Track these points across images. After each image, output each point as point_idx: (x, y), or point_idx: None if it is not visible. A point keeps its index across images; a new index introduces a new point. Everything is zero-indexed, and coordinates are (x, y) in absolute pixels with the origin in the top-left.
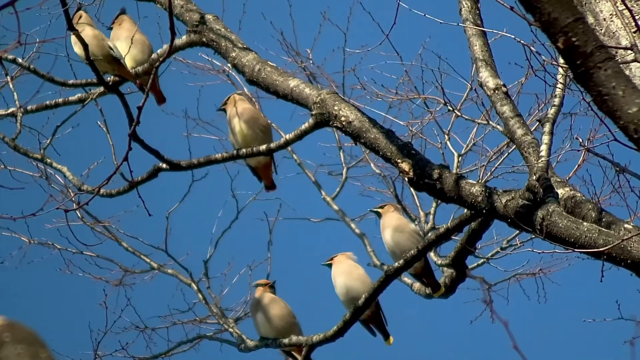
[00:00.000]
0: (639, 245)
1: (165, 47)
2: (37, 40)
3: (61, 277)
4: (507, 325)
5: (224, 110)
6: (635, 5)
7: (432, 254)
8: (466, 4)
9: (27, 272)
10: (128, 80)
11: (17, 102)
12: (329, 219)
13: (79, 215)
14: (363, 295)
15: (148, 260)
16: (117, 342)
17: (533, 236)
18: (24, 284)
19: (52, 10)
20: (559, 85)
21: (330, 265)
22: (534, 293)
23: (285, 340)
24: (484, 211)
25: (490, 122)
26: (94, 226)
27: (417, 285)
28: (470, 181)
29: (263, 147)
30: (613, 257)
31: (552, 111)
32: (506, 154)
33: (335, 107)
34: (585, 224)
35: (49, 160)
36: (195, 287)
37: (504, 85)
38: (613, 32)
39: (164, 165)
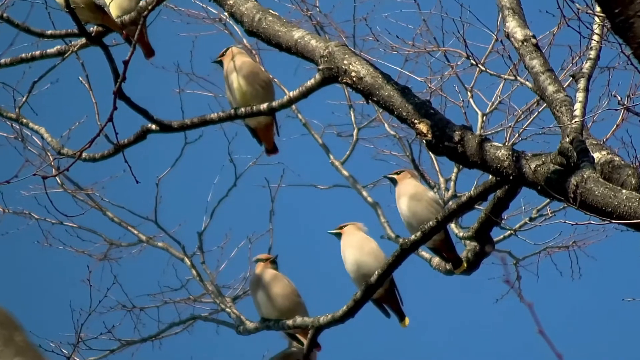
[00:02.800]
0: None
1: None
2: None
3: (39, 251)
4: (532, 307)
5: (221, 64)
6: None
7: (452, 225)
8: None
9: (1, 245)
10: (113, 30)
11: None
12: (338, 185)
13: (59, 181)
14: (376, 272)
15: (136, 232)
16: (102, 323)
17: (566, 205)
18: None
19: None
20: (595, 37)
21: (338, 235)
22: (567, 268)
23: (289, 322)
24: (511, 177)
25: (518, 78)
26: (76, 194)
27: (436, 260)
28: (496, 144)
29: (264, 105)
30: None
31: (587, 65)
32: (536, 113)
33: (345, 61)
34: (624, 191)
35: (24, 120)
36: (188, 262)
37: (534, 37)
38: None
39: (153, 126)
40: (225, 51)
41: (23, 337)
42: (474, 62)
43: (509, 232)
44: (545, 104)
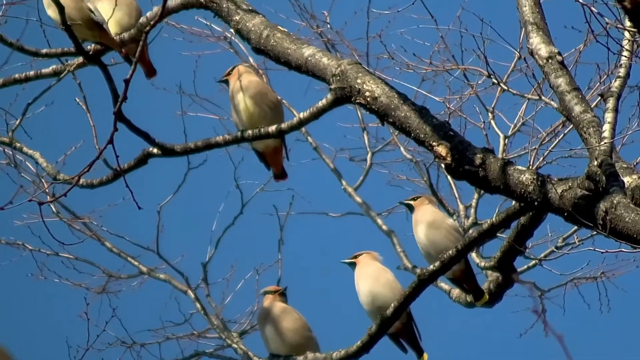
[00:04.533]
0: None
1: (156, 9)
2: (4, 1)
3: (34, 284)
4: (562, 339)
5: (226, 83)
6: None
7: (473, 254)
8: None
9: None
10: (112, 49)
11: None
12: (351, 213)
13: (54, 209)
14: (392, 304)
15: (136, 263)
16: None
17: (594, 233)
18: None
19: None
20: (625, 53)
21: (352, 265)
22: (595, 300)
23: (300, 358)
24: (536, 203)
25: (543, 98)
26: (72, 223)
27: (456, 291)
28: (520, 167)
29: (272, 128)
30: None
31: (616, 84)
32: (562, 135)
33: (359, 80)
34: None
35: (18, 145)
36: (192, 295)
37: (559, 54)
38: None
39: (155, 150)
40: (232, 70)
41: None
42: (495, 81)
43: (533, 261)
44: (572, 125)
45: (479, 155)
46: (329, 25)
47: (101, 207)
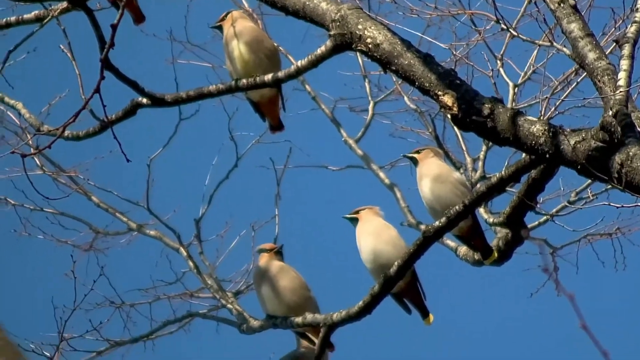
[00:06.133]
0: None
1: None
2: None
3: (17, 240)
4: (573, 299)
5: (220, 30)
6: None
7: (481, 210)
8: None
9: None
10: None
11: None
12: (351, 166)
13: (38, 162)
14: (395, 262)
15: (125, 220)
16: (88, 321)
17: (609, 186)
18: None
19: None
20: None
21: (354, 221)
22: (610, 258)
23: (298, 319)
24: (547, 156)
25: (555, 44)
26: (57, 176)
27: (463, 249)
28: (530, 118)
29: (268, 76)
30: None
31: (632, 29)
32: (574, 83)
33: (359, 26)
34: None
35: None
36: (184, 253)
37: None
38: None
39: (144, 100)
40: (225, 15)
41: (1, 335)
42: (504, 27)
43: (545, 217)
44: (585, 73)
45: (487, 105)
46: None
47: (88, 160)
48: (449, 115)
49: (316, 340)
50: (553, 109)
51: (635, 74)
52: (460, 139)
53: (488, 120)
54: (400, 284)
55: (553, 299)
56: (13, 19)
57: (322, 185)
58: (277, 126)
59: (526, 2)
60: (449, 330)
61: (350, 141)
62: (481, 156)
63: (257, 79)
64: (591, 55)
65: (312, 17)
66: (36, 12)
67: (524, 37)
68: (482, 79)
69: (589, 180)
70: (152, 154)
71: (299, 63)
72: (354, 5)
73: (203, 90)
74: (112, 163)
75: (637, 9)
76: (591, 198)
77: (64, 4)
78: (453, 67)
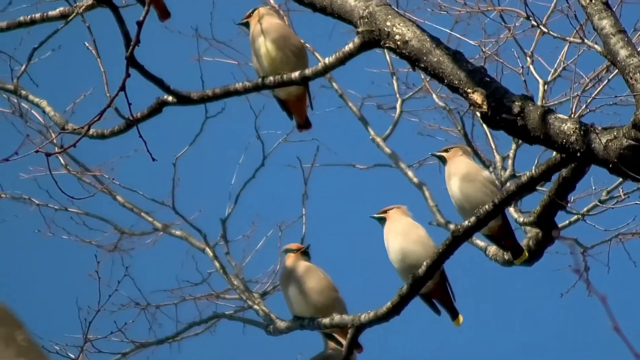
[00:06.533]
0: None
1: None
2: None
3: (41, 241)
4: (605, 299)
5: (246, 26)
6: None
7: (511, 209)
8: None
9: None
10: None
11: None
12: (379, 165)
13: (63, 161)
14: (424, 262)
15: (150, 219)
16: (113, 322)
17: None
18: None
19: None
20: None
21: (382, 220)
22: None
23: (326, 320)
24: (579, 154)
25: (586, 41)
26: (82, 176)
27: (492, 249)
28: (561, 116)
29: (295, 74)
30: None
31: None
32: (606, 81)
33: (388, 23)
34: None
35: (23, 93)
36: (210, 253)
37: None
38: None
39: (170, 98)
40: (252, 12)
41: (25, 336)
42: (534, 23)
43: (575, 216)
44: (617, 71)
45: (517, 103)
46: None
47: (113, 159)
48: (478, 113)
49: (344, 342)
50: (584, 106)
51: None
52: (490, 137)
53: (518, 118)
54: (429, 284)
55: (584, 300)
56: (37, 15)
57: (349, 184)
58: (304, 124)
59: None
60: (478, 332)
61: (378, 139)
62: (511, 154)
63: (284, 76)
64: (623, 52)
65: (340, 14)
66: (61, 8)
67: (555, 34)
68: (512, 76)
69: (621, 179)
70: (177, 153)
71: (326, 60)
72: (382, 2)
73: (229, 87)
74: (137, 162)
75: None
76: (622, 197)
77: (89, 1)
78: (482, 65)
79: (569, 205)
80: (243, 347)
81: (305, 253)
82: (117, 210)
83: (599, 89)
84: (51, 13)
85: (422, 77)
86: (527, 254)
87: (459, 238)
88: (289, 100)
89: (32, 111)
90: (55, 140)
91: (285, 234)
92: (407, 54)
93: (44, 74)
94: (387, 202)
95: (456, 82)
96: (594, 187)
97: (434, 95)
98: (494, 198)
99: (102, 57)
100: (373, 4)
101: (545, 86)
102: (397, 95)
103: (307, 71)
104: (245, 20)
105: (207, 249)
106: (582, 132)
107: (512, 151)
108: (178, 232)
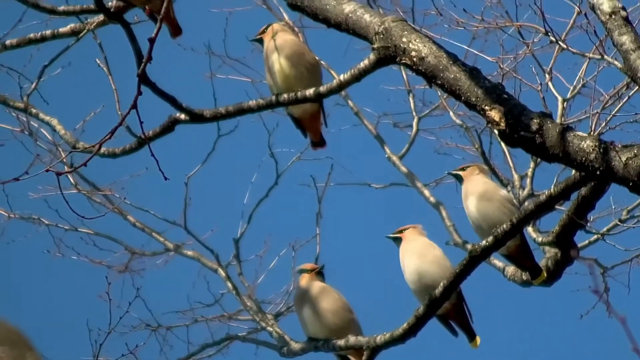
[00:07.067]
0: None
1: None
2: None
3: (50, 261)
4: (625, 321)
5: (260, 42)
6: None
7: (530, 229)
8: None
9: (7, 255)
10: (135, 5)
11: None
12: (395, 184)
13: (73, 181)
14: (441, 283)
15: (162, 239)
16: (124, 344)
17: None
18: (3, 270)
19: None
20: None
21: (397, 240)
22: None
23: (341, 342)
24: (598, 172)
25: (605, 57)
26: (92, 195)
27: (510, 269)
28: (580, 133)
29: (310, 91)
30: None
31: None
32: (626, 97)
33: (404, 39)
34: None
35: (33, 111)
36: (222, 274)
37: (624, 8)
38: None
39: (182, 116)
40: (266, 28)
41: (36, 358)
42: (553, 39)
43: (595, 236)
44: (637, 87)
45: (535, 120)
46: None
47: (124, 178)
48: (496, 131)
49: None
50: (604, 124)
51: None
52: (508, 156)
53: (537, 136)
54: (446, 305)
55: (604, 321)
56: (48, 32)
57: (364, 204)
58: (318, 142)
59: (575, 13)
60: (496, 353)
61: (394, 158)
62: (529, 173)
63: (299, 93)
64: None
65: (355, 30)
66: (72, 25)
67: (574, 50)
68: (530, 93)
69: None
70: (189, 172)
71: (341, 77)
72: (398, 18)
73: (243, 105)
74: (148, 181)
75: None
76: None
77: (101, 17)
78: (500, 81)
79: (588, 224)
80: None
81: (319, 273)
82: (128, 230)
83: (619, 106)
84: (62, 30)
85: (439, 94)
86: (545, 275)
87: (477, 258)
88: (303, 117)
89: (42, 129)
90: (65, 159)
91: (299, 254)
92: (423, 71)
93: (55, 91)
94: (402, 222)
95: (473, 100)
96: (613, 206)
97: (451, 113)
98: (512, 217)
99: (113, 75)
100: (389, 19)
101: (565, 103)
102: (414, 113)
103: (322, 88)
104: (259, 37)
105: (220, 270)
106: (601, 150)
107: (530, 169)
108: (190, 252)
